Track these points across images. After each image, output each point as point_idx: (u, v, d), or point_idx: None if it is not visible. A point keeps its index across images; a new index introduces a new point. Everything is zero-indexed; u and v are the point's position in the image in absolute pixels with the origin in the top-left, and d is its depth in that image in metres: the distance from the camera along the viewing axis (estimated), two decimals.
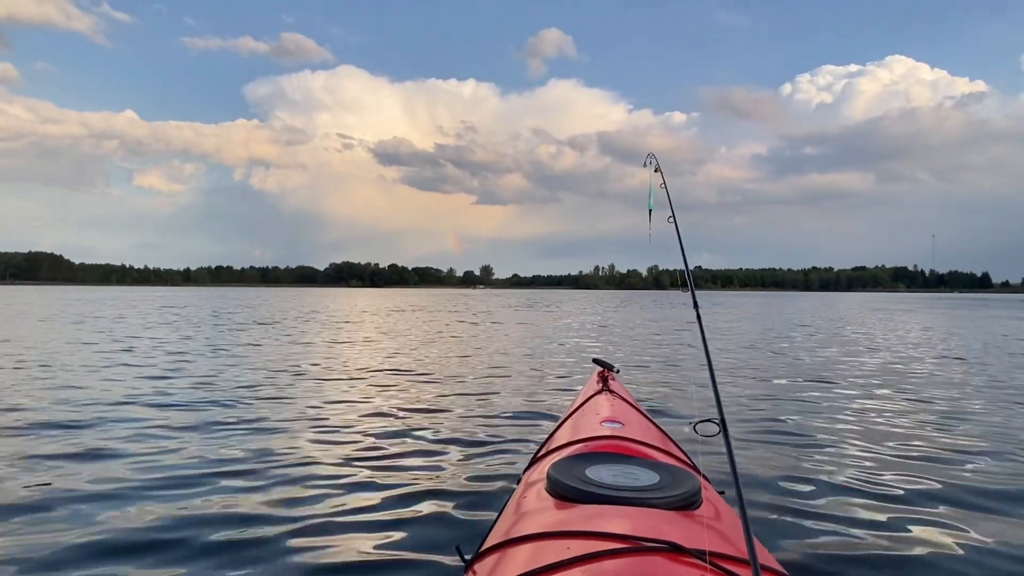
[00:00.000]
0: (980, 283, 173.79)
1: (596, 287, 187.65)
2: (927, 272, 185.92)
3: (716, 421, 1.26)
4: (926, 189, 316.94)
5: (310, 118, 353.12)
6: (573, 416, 2.39)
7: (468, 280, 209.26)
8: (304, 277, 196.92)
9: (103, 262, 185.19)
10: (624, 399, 2.56)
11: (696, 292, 1.71)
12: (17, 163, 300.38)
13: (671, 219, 1.97)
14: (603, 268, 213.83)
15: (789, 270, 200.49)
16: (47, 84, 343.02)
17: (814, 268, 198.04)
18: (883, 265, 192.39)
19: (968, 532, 2.57)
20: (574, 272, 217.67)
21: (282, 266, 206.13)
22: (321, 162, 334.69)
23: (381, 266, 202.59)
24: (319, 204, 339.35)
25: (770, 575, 1.16)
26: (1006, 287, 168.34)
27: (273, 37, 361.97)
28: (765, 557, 1.24)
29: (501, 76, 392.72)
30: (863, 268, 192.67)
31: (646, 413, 2.47)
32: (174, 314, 19.86)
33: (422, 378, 6.80)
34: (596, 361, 3.17)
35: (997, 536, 2.53)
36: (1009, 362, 8.97)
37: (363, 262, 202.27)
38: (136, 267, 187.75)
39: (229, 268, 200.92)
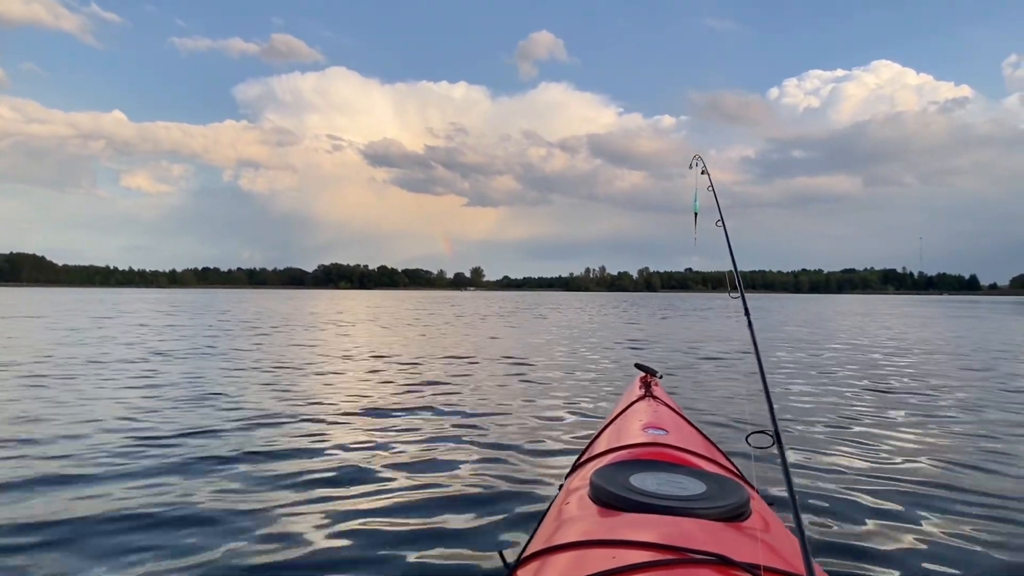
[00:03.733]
0: (968, 285, 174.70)
1: (587, 289, 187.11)
2: (916, 274, 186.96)
3: (770, 432, 1.23)
4: (912, 192, 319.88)
5: (300, 119, 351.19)
6: (615, 422, 2.33)
7: (458, 282, 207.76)
8: (292, 279, 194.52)
9: (89, 264, 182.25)
10: (667, 405, 2.48)
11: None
12: (1, 163, 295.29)
13: (719, 222, 1.94)
14: (594, 270, 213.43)
15: (779, 272, 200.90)
16: (33, 84, 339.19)
17: (804, 270, 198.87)
18: (872, 267, 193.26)
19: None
20: (564, 274, 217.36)
21: (271, 268, 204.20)
22: (311, 163, 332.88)
23: (370, 268, 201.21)
24: (309, 206, 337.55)
25: None
26: (994, 289, 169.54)
27: (263, 38, 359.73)
28: (819, 572, 1.19)
29: (492, 79, 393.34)
30: (852, 270, 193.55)
31: (690, 420, 2.37)
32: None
33: (454, 385, 6.56)
34: (638, 366, 3.00)
35: None
36: None
37: (352, 264, 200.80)
38: (121, 269, 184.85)
39: (216, 270, 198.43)
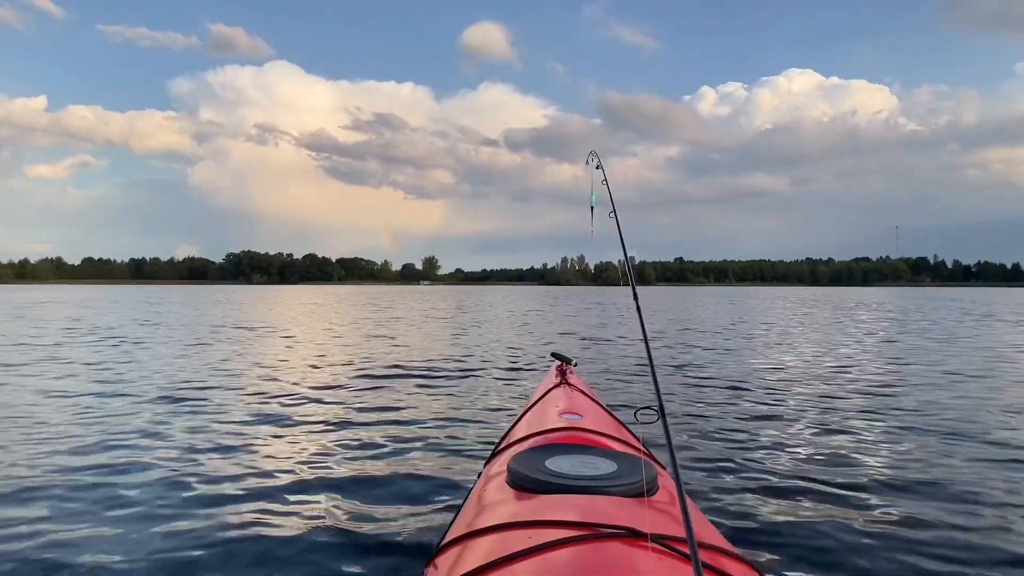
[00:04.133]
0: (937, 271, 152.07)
1: (568, 283, 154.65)
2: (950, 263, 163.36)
3: (655, 408, 1.29)
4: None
5: (236, 112, 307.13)
6: (532, 409, 2.38)
7: (408, 275, 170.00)
8: (193, 271, 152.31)
9: None
10: (582, 391, 2.57)
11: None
12: None
13: (612, 214, 1.98)
14: (573, 259, 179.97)
15: (783, 261, 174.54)
16: None
17: (820, 260, 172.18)
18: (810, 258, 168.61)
19: (897, 511, 2.68)
20: (538, 265, 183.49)
21: (165, 258, 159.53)
22: (245, 155, 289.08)
23: (295, 257, 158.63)
24: (241, 198, 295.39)
25: (715, 553, 1.19)
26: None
27: (202, 31, 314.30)
28: (713, 536, 1.30)
29: (435, 77, 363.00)
30: (866, 259, 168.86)
31: (604, 405, 2.48)
32: None
33: (376, 375, 6.54)
34: (555, 355, 3.10)
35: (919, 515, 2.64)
36: None
37: (272, 252, 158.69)
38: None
39: (110, 260, 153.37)
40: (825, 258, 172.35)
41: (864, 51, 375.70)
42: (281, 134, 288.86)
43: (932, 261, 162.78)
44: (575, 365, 3.03)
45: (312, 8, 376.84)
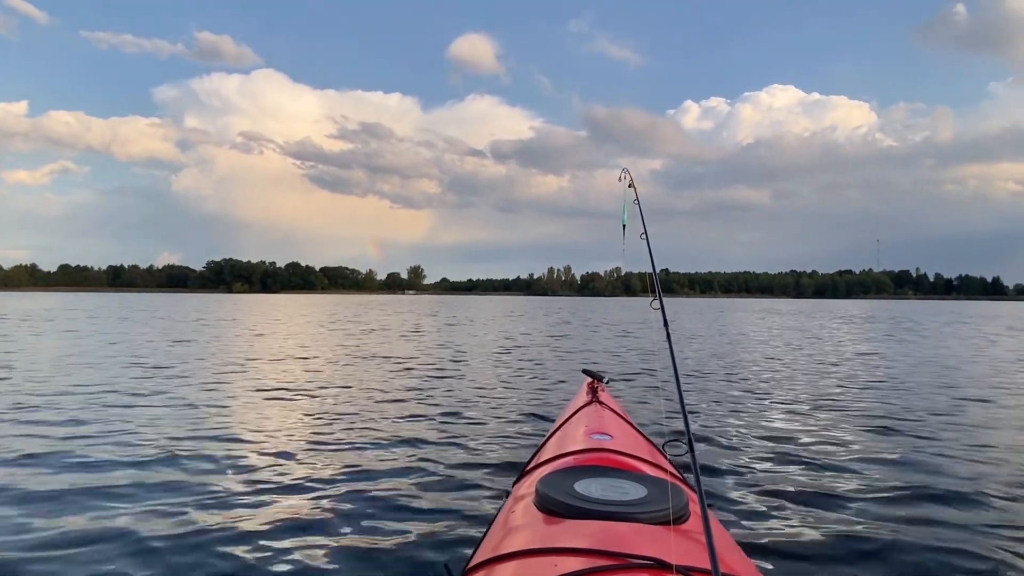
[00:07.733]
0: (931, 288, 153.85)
1: (554, 292, 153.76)
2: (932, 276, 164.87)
3: (684, 441, 1.25)
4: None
5: (221, 120, 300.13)
6: (562, 428, 2.35)
7: (393, 285, 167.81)
8: (173, 279, 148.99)
9: None
10: (613, 411, 2.52)
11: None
12: None
13: (643, 235, 1.95)
14: (558, 270, 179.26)
15: (764, 273, 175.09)
16: None
17: (804, 273, 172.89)
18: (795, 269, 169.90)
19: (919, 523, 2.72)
20: (524, 275, 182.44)
21: (144, 266, 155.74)
22: (229, 163, 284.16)
23: (277, 265, 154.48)
24: (224, 206, 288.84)
25: None
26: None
27: (189, 39, 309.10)
28: (745, 568, 1.26)
29: (423, 88, 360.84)
30: (849, 272, 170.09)
31: (635, 425, 2.42)
32: None
33: (407, 391, 6.46)
34: (586, 372, 3.07)
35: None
36: None
37: (255, 261, 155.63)
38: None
39: (87, 268, 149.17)
40: (809, 270, 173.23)
41: (844, 68, 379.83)
42: (266, 142, 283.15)
43: (914, 274, 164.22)
44: (607, 382, 2.94)
45: (300, 18, 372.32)
